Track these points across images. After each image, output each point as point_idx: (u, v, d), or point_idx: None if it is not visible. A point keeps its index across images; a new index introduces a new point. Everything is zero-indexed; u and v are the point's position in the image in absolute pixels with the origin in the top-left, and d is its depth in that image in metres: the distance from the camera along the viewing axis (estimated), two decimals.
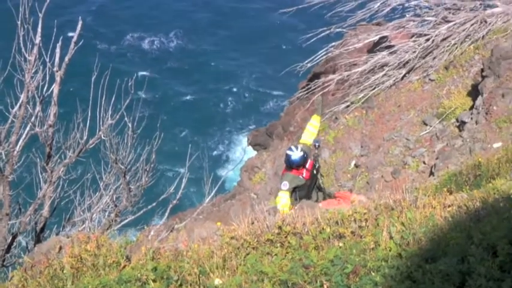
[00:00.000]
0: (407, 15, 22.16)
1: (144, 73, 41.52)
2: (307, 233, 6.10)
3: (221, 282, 5.46)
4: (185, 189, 11.42)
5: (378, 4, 21.93)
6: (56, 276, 6.04)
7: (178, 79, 43.46)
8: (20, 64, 9.21)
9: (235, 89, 43.14)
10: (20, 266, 7.68)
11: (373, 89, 20.85)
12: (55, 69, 9.45)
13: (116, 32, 47.07)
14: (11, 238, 9.90)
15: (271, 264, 5.62)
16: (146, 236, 10.49)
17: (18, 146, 9.37)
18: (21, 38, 9.06)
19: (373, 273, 5.09)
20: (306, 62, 22.22)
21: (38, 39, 9.14)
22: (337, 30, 22.55)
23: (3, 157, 9.33)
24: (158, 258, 6.11)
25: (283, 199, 10.75)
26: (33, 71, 9.21)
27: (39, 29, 9.16)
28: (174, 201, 11.30)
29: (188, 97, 42.24)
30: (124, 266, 6.08)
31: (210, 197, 11.61)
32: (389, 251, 5.38)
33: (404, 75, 20.83)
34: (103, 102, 9.97)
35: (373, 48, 22.34)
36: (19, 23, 9.07)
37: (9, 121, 9.34)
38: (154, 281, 5.52)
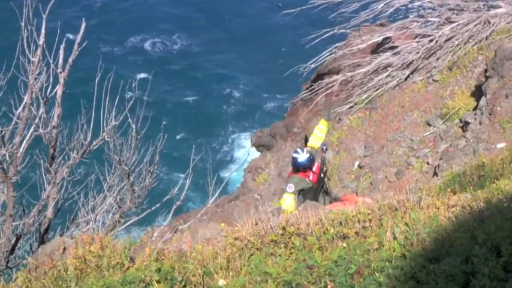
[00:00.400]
0: (410, 16, 22.17)
1: (148, 75, 41.49)
2: (311, 234, 6.09)
3: (225, 283, 5.46)
4: (189, 190, 11.42)
5: (382, 5, 21.94)
6: (60, 278, 6.04)
7: (182, 81, 43.47)
8: (24, 65, 9.21)
9: (238, 90, 43.15)
10: (24, 267, 7.68)
11: (377, 89, 20.86)
12: (59, 70, 9.46)
13: (119, 34, 47.09)
14: (15, 239, 9.91)
15: (275, 265, 5.62)
16: (150, 237, 10.49)
17: (22, 148, 9.37)
18: (24, 40, 9.07)
19: (377, 274, 5.08)
20: (310, 62, 22.25)
21: (41, 41, 9.15)
22: (341, 31, 22.55)
23: (7, 158, 9.33)
24: (162, 259, 6.11)
25: (288, 201, 10.73)
26: (36, 72, 9.21)
27: (42, 30, 9.17)
28: (178, 202, 11.30)
29: (191, 98, 42.25)
30: (128, 267, 6.08)
31: (214, 198, 11.61)
32: (393, 251, 5.37)
33: (408, 76, 20.83)
34: (107, 104, 9.97)
35: (377, 49, 22.34)
36: (23, 24, 9.08)
37: (13, 122, 9.34)
38: (158, 282, 5.52)
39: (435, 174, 14.48)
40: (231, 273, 5.68)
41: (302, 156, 11.00)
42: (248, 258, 5.92)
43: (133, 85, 10.31)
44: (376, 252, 5.43)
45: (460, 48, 19.95)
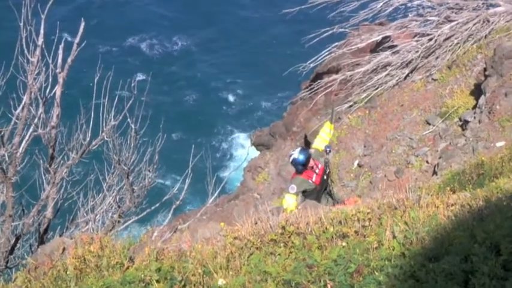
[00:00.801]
0: (410, 15, 22.17)
1: (146, 75, 41.53)
2: (310, 233, 6.09)
3: (225, 283, 5.46)
4: (188, 189, 11.42)
5: (381, 4, 21.92)
6: (60, 278, 6.04)
7: (181, 80, 43.46)
8: (23, 66, 9.21)
9: (237, 90, 43.14)
10: (23, 267, 7.69)
11: (376, 88, 20.87)
12: (58, 70, 9.46)
13: (118, 35, 47.04)
14: (14, 239, 9.90)
15: (275, 264, 5.62)
16: (150, 236, 10.49)
17: (21, 148, 9.37)
18: (23, 40, 9.06)
19: (376, 273, 5.09)
20: (309, 62, 22.25)
21: (40, 41, 9.14)
22: (340, 30, 22.56)
23: (7, 158, 9.32)
24: (162, 259, 6.11)
25: (289, 201, 10.72)
26: (35, 72, 9.20)
27: (41, 31, 9.16)
28: (178, 202, 11.30)
29: (190, 98, 42.25)
30: (127, 267, 6.08)
31: (213, 197, 11.62)
32: (393, 250, 5.38)
33: (407, 75, 20.84)
34: (106, 104, 9.97)
35: (376, 48, 22.35)
36: (21, 24, 9.07)
37: (12, 122, 9.33)
38: (158, 281, 5.52)
39: (434, 172, 14.48)
40: (231, 273, 5.68)
41: (296, 153, 11.00)
42: (248, 257, 5.92)
43: (132, 85, 10.32)
44: (376, 251, 5.43)
45: (459, 47, 19.95)
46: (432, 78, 19.94)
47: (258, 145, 27.30)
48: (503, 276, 4.55)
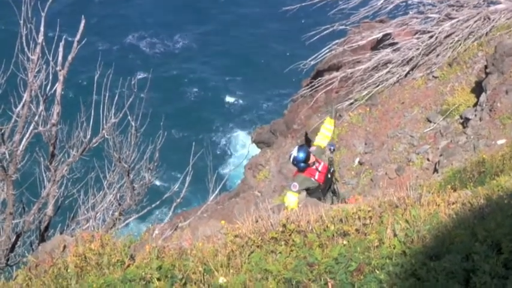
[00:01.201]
0: (410, 13, 22.15)
1: (147, 72, 41.45)
2: (311, 231, 6.08)
3: (225, 281, 5.46)
4: (189, 187, 11.41)
5: (381, 1, 21.91)
6: (60, 275, 6.04)
7: (181, 78, 43.48)
8: (23, 63, 9.20)
9: (238, 87, 43.15)
10: (24, 265, 7.69)
11: (377, 86, 20.86)
12: (58, 68, 9.45)
13: (119, 32, 47.07)
14: (15, 237, 9.91)
15: (276, 262, 5.62)
16: (150, 234, 10.49)
17: (21, 145, 9.37)
18: (24, 37, 9.05)
19: (377, 271, 5.08)
20: (310, 59, 22.24)
21: (40, 39, 9.13)
22: (341, 27, 22.53)
23: (7, 156, 9.33)
24: (162, 257, 6.11)
25: (291, 199, 10.67)
26: (36, 70, 9.20)
27: (41, 28, 9.15)
28: (178, 200, 11.30)
29: (191, 96, 42.27)
30: (128, 265, 6.07)
31: (214, 195, 11.60)
32: (394, 248, 5.37)
33: (408, 73, 20.83)
34: (106, 101, 9.96)
35: (377, 45, 22.34)
36: (22, 22, 9.06)
37: (13, 120, 9.33)
38: (158, 279, 5.52)
39: (435, 170, 14.48)
40: (232, 271, 5.67)
41: (295, 151, 10.95)
42: (248, 255, 5.91)
43: (133, 82, 10.30)
44: (377, 249, 5.42)
45: (460, 45, 19.94)
46: (433, 76, 19.94)
47: (258, 143, 27.30)
48: (504, 275, 4.54)
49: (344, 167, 18.64)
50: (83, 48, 9.78)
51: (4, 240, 9.54)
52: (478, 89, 16.90)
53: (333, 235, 5.93)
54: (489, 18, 19.99)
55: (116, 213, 10.70)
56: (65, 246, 6.90)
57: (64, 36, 9.58)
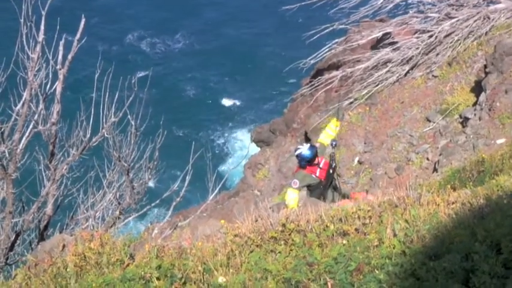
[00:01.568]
0: (410, 12, 22.15)
1: (147, 71, 41.42)
2: (311, 231, 6.09)
3: (225, 280, 5.46)
4: (189, 186, 11.40)
5: (381, 0, 21.93)
6: (60, 275, 6.04)
7: (181, 77, 43.48)
8: (23, 62, 9.19)
9: (237, 87, 43.14)
10: (23, 264, 7.69)
11: (377, 85, 20.86)
12: (58, 67, 9.44)
13: (119, 32, 47.12)
14: (14, 236, 9.90)
15: (275, 262, 5.62)
16: (150, 233, 10.49)
17: (21, 144, 9.36)
18: (24, 36, 9.05)
19: (377, 271, 5.08)
20: (309, 58, 22.25)
21: (41, 37, 9.12)
22: (341, 26, 22.54)
23: (7, 155, 9.32)
24: (162, 256, 6.10)
25: (291, 196, 10.68)
26: (36, 68, 9.19)
27: (42, 27, 9.14)
28: (178, 199, 11.29)
29: (191, 95, 42.26)
30: (128, 264, 6.07)
31: (213, 194, 11.59)
32: (393, 248, 5.37)
33: (408, 72, 20.83)
34: (106, 100, 9.95)
35: (377, 44, 22.34)
36: (22, 20, 9.05)
37: (13, 119, 9.32)
38: (158, 279, 5.52)
39: (435, 169, 14.48)
40: (231, 270, 5.67)
41: (304, 148, 10.95)
42: (248, 255, 5.91)
43: (133, 81, 10.29)
44: (376, 249, 5.42)
45: (459, 44, 19.94)
46: (432, 75, 19.94)
47: (258, 142, 27.29)
48: (504, 275, 4.54)
49: (343, 166, 18.63)
50: (82, 47, 9.77)
51: (3, 239, 9.53)
52: (477, 88, 16.90)
53: (333, 235, 5.94)
54: (489, 18, 19.99)
55: (116, 213, 10.69)
56: (64, 245, 6.90)
57: (64, 35, 9.56)
